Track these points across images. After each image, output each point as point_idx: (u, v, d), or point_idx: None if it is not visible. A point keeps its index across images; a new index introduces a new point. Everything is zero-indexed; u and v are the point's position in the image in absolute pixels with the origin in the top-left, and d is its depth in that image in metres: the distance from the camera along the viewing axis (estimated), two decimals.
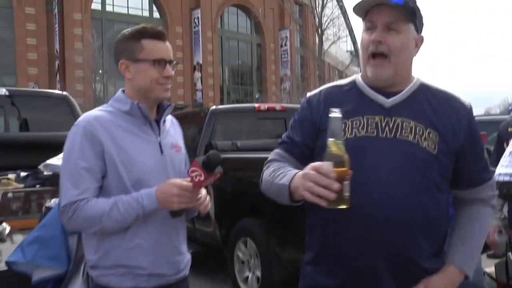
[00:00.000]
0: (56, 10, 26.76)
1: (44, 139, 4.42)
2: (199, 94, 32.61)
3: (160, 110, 1.90)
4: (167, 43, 1.84)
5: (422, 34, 1.60)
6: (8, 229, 3.18)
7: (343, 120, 1.43)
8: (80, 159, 1.70)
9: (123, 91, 1.89)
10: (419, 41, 1.58)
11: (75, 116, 5.10)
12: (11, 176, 3.86)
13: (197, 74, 32.33)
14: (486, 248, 3.37)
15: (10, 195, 3.58)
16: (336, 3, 24.85)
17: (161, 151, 1.83)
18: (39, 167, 3.82)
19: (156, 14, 32.00)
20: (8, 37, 26.30)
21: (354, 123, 1.52)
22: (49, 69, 26.82)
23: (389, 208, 1.43)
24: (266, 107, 6.17)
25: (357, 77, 1.64)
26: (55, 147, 4.04)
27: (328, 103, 1.55)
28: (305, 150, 1.61)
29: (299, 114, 1.67)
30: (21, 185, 3.77)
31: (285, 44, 36.21)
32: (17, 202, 3.58)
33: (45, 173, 3.82)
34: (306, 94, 1.73)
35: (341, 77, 38.57)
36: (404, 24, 1.51)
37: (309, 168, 1.32)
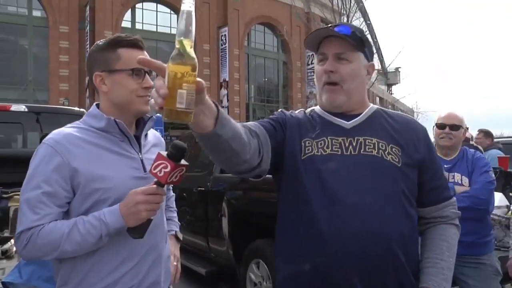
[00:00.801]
0: (88, 28, 27.55)
1: None
2: (225, 111, 32.78)
3: (140, 124, 1.77)
4: (145, 52, 1.70)
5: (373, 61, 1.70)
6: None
7: (309, 139, 1.58)
8: (43, 181, 1.55)
9: (97, 105, 1.75)
10: (370, 68, 1.69)
11: None
12: None
13: (224, 91, 32.57)
14: (508, 279, 3.21)
15: None
16: (363, 20, 24.71)
17: (144, 169, 1.70)
18: None
19: None
20: (43, 55, 27.20)
21: (319, 143, 1.59)
22: (79, 85, 27.49)
23: (360, 218, 1.46)
24: None
25: (316, 107, 1.76)
26: None
27: (295, 122, 1.67)
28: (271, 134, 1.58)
29: (272, 117, 1.70)
30: None
31: (311, 62, 36.17)
32: None
33: None
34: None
35: (368, 96, 38.64)
36: (353, 53, 1.61)
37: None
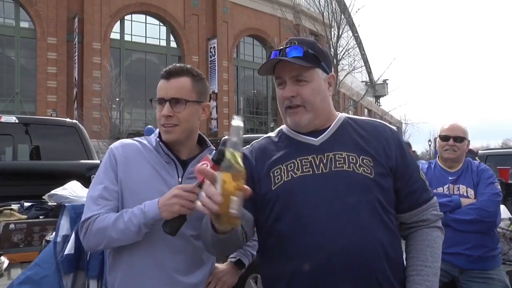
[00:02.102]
0: (76, 39, 27.41)
1: (50, 168, 4.35)
2: (214, 122, 32.75)
3: (202, 150, 1.83)
4: (172, 80, 1.73)
5: (331, 73, 1.65)
6: (6, 263, 3.07)
7: (278, 166, 1.55)
8: (104, 178, 1.72)
9: None
10: (331, 80, 1.65)
11: (84, 145, 5.05)
12: (15, 206, 3.76)
13: (213, 103, 32.55)
14: None
15: (12, 226, 3.48)
16: (351, 33, 24.94)
17: None
18: (43, 197, 3.72)
19: (173, 44, 32.57)
20: (31, 66, 27.01)
21: (289, 166, 1.55)
22: (67, 97, 27.26)
23: (339, 235, 1.44)
24: None
25: (283, 127, 1.71)
26: (62, 177, 3.98)
27: (260, 155, 1.62)
28: (248, 203, 1.52)
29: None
30: (24, 216, 3.67)
31: None
32: (18, 234, 3.48)
33: (50, 203, 3.71)
34: None
35: (356, 108, 38.88)
36: (310, 72, 1.57)
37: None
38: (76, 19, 27.37)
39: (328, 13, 20.55)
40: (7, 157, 5.23)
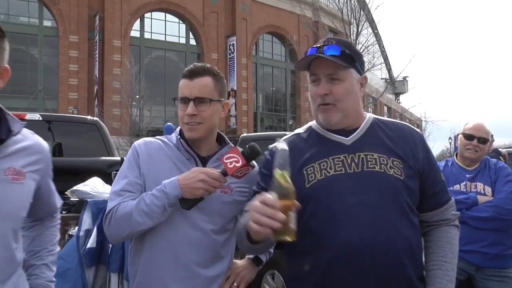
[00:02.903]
0: (97, 37, 27.79)
1: (73, 165, 4.45)
2: (233, 120, 32.85)
3: (221, 147, 1.88)
4: (196, 80, 1.78)
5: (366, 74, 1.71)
6: None
7: (311, 164, 1.59)
8: (127, 172, 1.79)
9: None
10: (363, 81, 1.69)
11: (105, 142, 5.15)
12: None
13: (231, 100, 32.63)
14: None
15: None
16: (371, 30, 24.72)
17: None
18: (66, 192, 3.81)
19: (192, 41, 32.75)
20: (53, 64, 27.50)
21: (322, 164, 1.59)
22: (88, 94, 27.67)
23: (370, 233, 1.49)
24: None
25: (313, 123, 1.74)
26: (84, 173, 4.07)
27: (291, 153, 1.57)
28: None
29: (264, 167, 1.70)
30: None
31: None
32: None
33: (72, 199, 3.80)
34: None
35: (375, 105, 38.53)
36: (345, 71, 1.61)
37: (256, 200, 1.38)
38: (97, 17, 27.73)
39: (347, 10, 20.41)
40: None
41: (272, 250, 2.09)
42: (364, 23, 20.58)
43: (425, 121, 40.13)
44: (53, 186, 1.74)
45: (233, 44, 33.19)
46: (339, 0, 21.07)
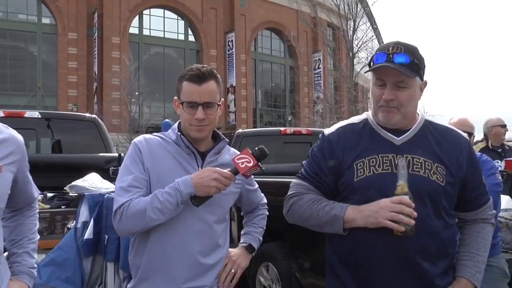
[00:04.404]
0: (96, 34, 27.79)
1: (71, 161, 4.55)
2: (232, 116, 32.88)
3: (216, 142, 1.98)
4: (204, 85, 1.87)
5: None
6: None
7: (361, 159, 1.69)
8: (132, 168, 1.85)
9: (180, 122, 1.99)
10: (423, 86, 1.75)
11: (103, 138, 5.25)
12: (39, 196, 3.97)
13: (231, 96, 32.67)
14: None
15: None
16: (369, 25, 24.70)
17: None
18: (65, 188, 3.92)
19: (191, 38, 32.74)
20: (52, 61, 27.52)
21: (371, 161, 1.69)
22: (87, 91, 27.70)
23: (410, 236, 1.58)
24: (292, 131, 6.16)
25: (369, 115, 1.80)
26: (82, 169, 4.17)
27: (346, 142, 1.75)
28: (331, 185, 1.77)
29: (320, 151, 1.81)
30: (47, 206, 3.88)
31: (318, 67, 36.21)
32: (42, 222, 3.68)
33: (71, 194, 3.91)
34: (323, 132, 1.87)
35: None
36: (411, 79, 1.66)
37: (387, 201, 1.56)
38: (96, 14, 27.71)
39: (344, 5, 20.44)
40: (30, 150, 5.47)
41: (261, 238, 2.22)
42: (361, 18, 20.60)
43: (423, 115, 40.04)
44: (30, 177, 1.81)
45: (232, 40, 33.17)
46: None
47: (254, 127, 31.76)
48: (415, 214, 1.53)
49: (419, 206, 1.59)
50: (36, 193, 1.92)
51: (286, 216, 1.85)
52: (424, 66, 1.73)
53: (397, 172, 1.60)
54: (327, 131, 1.84)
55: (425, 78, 1.74)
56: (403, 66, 1.63)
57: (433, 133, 1.75)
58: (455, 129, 1.82)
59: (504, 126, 5.10)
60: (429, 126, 1.76)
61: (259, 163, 1.79)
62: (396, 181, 1.59)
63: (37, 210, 1.96)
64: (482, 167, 3.20)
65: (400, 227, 1.53)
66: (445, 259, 1.70)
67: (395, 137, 1.71)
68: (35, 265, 1.83)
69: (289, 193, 1.84)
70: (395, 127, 1.72)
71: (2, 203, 1.59)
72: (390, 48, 1.68)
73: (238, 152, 2.01)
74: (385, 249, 1.62)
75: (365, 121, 1.79)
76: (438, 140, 1.73)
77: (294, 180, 1.86)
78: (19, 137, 1.70)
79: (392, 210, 1.54)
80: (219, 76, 1.95)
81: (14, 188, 1.67)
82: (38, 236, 1.93)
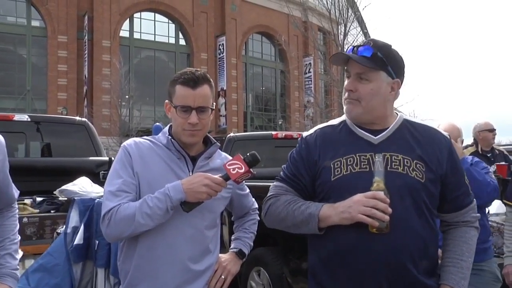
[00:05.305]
0: (86, 37, 27.66)
1: (61, 165, 4.51)
2: (223, 119, 32.87)
3: (207, 147, 1.96)
4: (198, 89, 1.84)
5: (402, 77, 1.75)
6: (20, 254, 3.22)
7: (338, 158, 1.68)
8: (121, 172, 1.83)
9: (171, 126, 1.96)
10: (395, 85, 1.73)
11: (93, 142, 5.21)
12: (27, 201, 3.92)
13: (221, 100, 32.64)
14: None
15: (25, 220, 3.63)
16: (360, 29, 24.86)
17: None
18: (54, 192, 3.87)
19: (182, 41, 32.72)
20: (42, 64, 27.34)
21: (348, 160, 1.68)
22: (77, 94, 27.54)
23: (389, 234, 1.57)
24: (283, 135, 6.17)
25: (346, 118, 1.79)
26: (72, 173, 4.13)
27: (323, 143, 1.75)
28: (309, 187, 1.76)
29: (298, 153, 1.81)
30: (36, 210, 3.83)
31: (309, 71, 36.34)
32: (31, 227, 3.63)
33: (60, 198, 3.87)
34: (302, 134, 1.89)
35: None
36: (374, 73, 1.67)
37: (361, 196, 1.55)
38: (86, 17, 27.59)
39: (335, 10, 20.54)
40: (19, 154, 5.41)
41: (252, 244, 2.20)
42: (352, 23, 20.72)
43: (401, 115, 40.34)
44: (9, 177, 1.78)
45: (223, 44, 33.20)
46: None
47: (245, 131, 31.76)
48: (389, 210, 1.52)
49: (398, 203, 1.58)
50: (16, 193, 1.89)
51: (264, 219, 1.84)
52: (397, 66, 1.72)
53: (374, 169, 1.60)
54: (305, 133, 1.85)
55: (408, 79, 1.75)
56: (363, 58, 1.65)
57: (412, 132, 1.74)
58: (435, 127, 1.81)
59: (492, 130, 5.11)
60: (407, 125, 1.76)
61: (251, 169, 1.76)
62: (373, 178, 1.58)
63: (17, 211, 1.94)
64: (476, 167, 3.22)
65: (374, 222, 1.52)
66: (426, 259, 1.66)
67: (373, 136, 1.71)
68: (18, 267, 1.80)
69: (267, 195, 1.82)
70: (359, 122, 1.72)
71: None
72: (361, 43, 1.73)
73: (230, 157, 2.01)
74: (364, 249, 1.60)
75: (343, 122, 1.79)
76: (417, 138, 1.72)
77: (273, 183, 1.84)
78: (1, 138, 1.67)
79: (366, 205, 1.52)
80: (212, 80, 1.93)
81: None
82: (19, 237, 1.90)
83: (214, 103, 1.95)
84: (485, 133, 5.13)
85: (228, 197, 1.99)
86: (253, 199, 2.24)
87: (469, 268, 1.73)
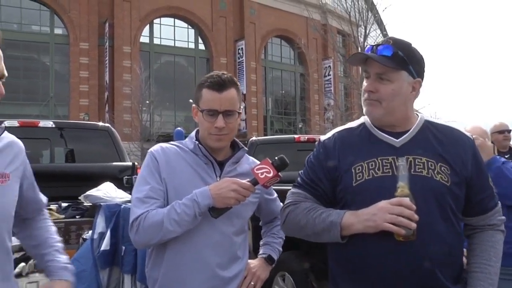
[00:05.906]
0: (107, 44, 28.05)
1: (85, 170, 4.54)
2: (242, 123, 32.87)
3: (235, 151, 1.93)
4: (225, 93, 1.82)
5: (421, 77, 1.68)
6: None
7: (360, 162, 1.61)
8: (148, 179, 1.81)
9: (197, 131, 1.93)
10: (416, 85, 1.67)
11: (116, 147, 5.25)
12: (53, 206, 3.95)
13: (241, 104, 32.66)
14: None
15: None
16: (379, 32, 24.69)
17: None
18: (79, 198, 3.89)
19: (201, 46, 32.90)
20: (64, 71, 27.83)
21: (370, 164, 1.61)
22: (98, 100, 27.92)
23: (414, 240, 1.52)
24: (306, 138, 6.12)
25: (366, 119, 1.73)
26: (96, 178, 4.16)
27: (342, 146, 1.69)
28: (328, 192, 1.69)
29: (315, 158, 1.74)
30: (62, 216, 3.86)
31: (329, 74, 36.16)
32: (57, 232, 3.64)
33: (85, 204, 3.89)
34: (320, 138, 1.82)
35: None
36: (395, 73, 1.62)
37: (386, 203, 1.49)
38: (107, 24, 27.99)
39: (355, 12, 20.43)
40: (44, 160, 5.49)
41: (281, 249, 2.16)
42: (372, 25, 20.57)
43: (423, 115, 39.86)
44: (34, 184, 1.77)
45: (242, 48, 33.27)
46: (347, 2, 21.09)
47: (265, 134, 31.75)
48: (416, 217, 1.46)
49: (423, 209, 1.52)
50: (44, 198, 1.88)
51: (283, 227, 1.78)
52: (418, 65, 1.67)
53: (397, 174, 1.54)
54: (323, 137, 1.78)
55: (427, 79, 1.69)
56: (384, 58, 1.60)
57: (434, 133, 1.67)
58: (458, 128, 1.75)
59: (502, 132, 4.98)
60: (429, 126, 1.69)
61: (279, 173, 1.73)
62: (397, 183, 1.52)
63: (48, 215, 1.92)
64: (506, 166, 3.13)
65: (400, 230, 1.46)
66: (452, 265, 1.61)
67: (394, 139, 1.65)
68: (69, 261, 1.79)
69: (285, 203, 1.75)
70: (380, 124, 1.67)
71: (13, 211, 1.57)
72: (380, 41, 1.67)
73: (258, 161, 1.96)
74: (388, 257, 1.54)
75: (363, 124, 1.73)
76: (441, 140, 1.66)
77: (290, 190, 1.78)
78: (20, 142, 1.67)
79: (391, 212, 1.47)
80: (239, 84, 1.90)
81: (22, 194, 1.64)
82: (58, 237, 1.88)
83: (241, 107, 1.92)
84: (496, 135, 5.05)
85: (256, 202, 1.96)
86: (281, 204, 2.20)
87: (497, 273, 1.66)
